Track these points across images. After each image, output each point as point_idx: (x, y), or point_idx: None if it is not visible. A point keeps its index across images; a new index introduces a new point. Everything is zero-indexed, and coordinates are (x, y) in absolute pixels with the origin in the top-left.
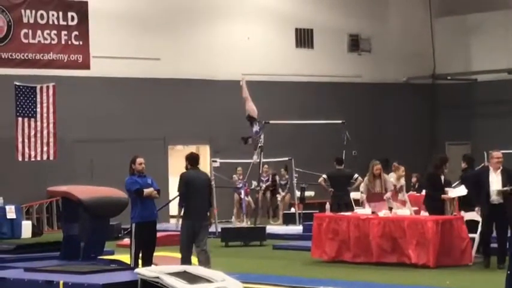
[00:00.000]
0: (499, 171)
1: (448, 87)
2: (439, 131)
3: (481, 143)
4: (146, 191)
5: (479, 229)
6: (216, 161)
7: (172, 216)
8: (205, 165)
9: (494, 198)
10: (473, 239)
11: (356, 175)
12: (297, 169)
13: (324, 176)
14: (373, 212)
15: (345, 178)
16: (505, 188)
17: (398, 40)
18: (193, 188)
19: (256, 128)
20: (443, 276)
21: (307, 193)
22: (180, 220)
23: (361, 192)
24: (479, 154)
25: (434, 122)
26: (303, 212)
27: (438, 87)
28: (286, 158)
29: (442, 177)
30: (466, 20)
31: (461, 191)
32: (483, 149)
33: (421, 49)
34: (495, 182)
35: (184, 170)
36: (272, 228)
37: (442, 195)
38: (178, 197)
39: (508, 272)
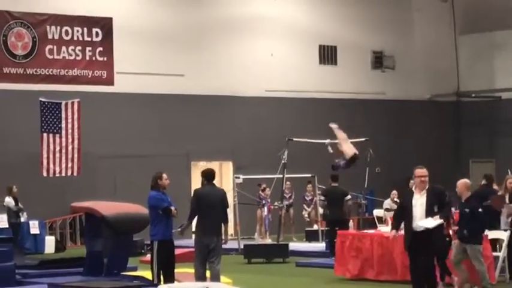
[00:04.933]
0: (424, 191)
1: (472, 105)
2: (463, 149)
3: (505, 160)
4: (173, 209)
5: (504, 247)
6: (239, 177)
7: (193, 232)
8: (228, 181)
9: (418, 224)
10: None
11: (349, 196)
12: (320, 186)
13: (322, 197)
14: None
15: (339, 195)
16: (435, 223)
17: (422, 57)
18: (207, 204)
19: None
20: None
21: None
22: (180, 233)
23: (385, 210)
24: (503, 172)
25: (458, 139)
26: (326, 229)
27: (462, 104)
28: (309, 175)
29: None
30: (490, 37)
31: None
32: (507, 167)
33: (445, 66)
34: (419, 205)
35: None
36: (295, 245)
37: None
38: (189, 212)
39: None
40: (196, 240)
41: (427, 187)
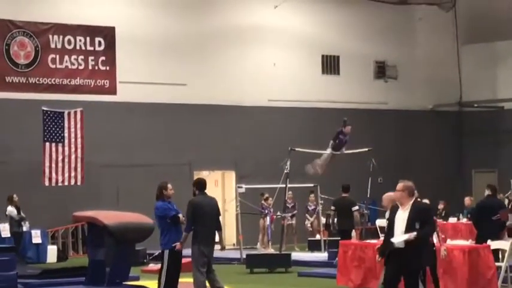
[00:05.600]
0: (408, 207)
1: (474, 115)
2: (466, 159)
3: (507, 170)
4: (180, 216)
5: (506, 257)
6: (241, 187)
7: None
8: (230, 190)
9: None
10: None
11: (356, 207)
12: (322, 196)
13: (332, 207)
14: None
15: (348, 206)
16: (404, 237)
17: (424, 67)
18: (202, 213)
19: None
20: None
21: None
22: (177, 245)
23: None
24: (505, 182)
25: (461, 149)
26: (328, 239)
27: (465, 114)
28: (312, 185)
29: None
30: (493, 47)
31: None
32: (509, 177)
33: (448, 76)
34: (400, 220)
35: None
36: (297, 255)
37: None
38: (186, 222)
39: None
40: (194, 250)
41: (411, 202)
